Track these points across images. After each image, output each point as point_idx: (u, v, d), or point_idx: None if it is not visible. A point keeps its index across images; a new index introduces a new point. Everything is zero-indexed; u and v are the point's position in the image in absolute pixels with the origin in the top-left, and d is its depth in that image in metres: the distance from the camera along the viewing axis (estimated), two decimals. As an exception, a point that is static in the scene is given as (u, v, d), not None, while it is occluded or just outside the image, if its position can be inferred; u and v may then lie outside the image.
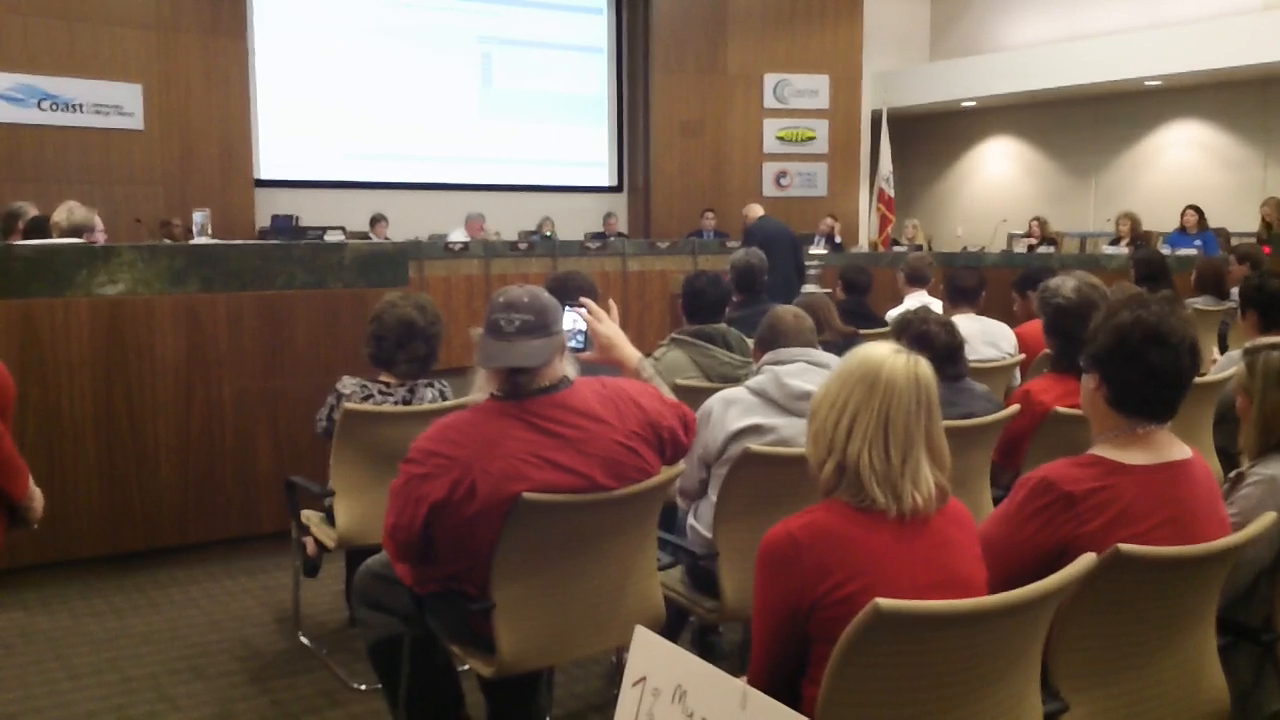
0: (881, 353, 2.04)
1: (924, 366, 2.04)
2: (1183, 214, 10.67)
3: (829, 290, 7.24)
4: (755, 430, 3.10)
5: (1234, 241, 10.31)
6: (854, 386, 2.02)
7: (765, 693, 1.61)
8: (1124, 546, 2.04)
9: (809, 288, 8.39)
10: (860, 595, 1.85)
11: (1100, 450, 2.29)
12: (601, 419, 2.60)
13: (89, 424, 4.72)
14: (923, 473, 2.00)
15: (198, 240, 7.93)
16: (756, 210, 9.72)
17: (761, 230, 9.09)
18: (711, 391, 3.33)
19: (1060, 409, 3.38)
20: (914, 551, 1.98)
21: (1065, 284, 3.77)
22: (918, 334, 3.41)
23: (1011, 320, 5.37)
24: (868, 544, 1.96)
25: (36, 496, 2.66)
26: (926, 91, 15.16)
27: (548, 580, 2.62)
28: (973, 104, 15.28)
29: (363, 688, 3.65)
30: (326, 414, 3.88)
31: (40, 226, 6.30)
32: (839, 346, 4.01)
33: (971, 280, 5.30)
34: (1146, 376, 2.24)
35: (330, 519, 3.81)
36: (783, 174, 14.72)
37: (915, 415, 2.00)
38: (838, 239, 12.95)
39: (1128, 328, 2.26)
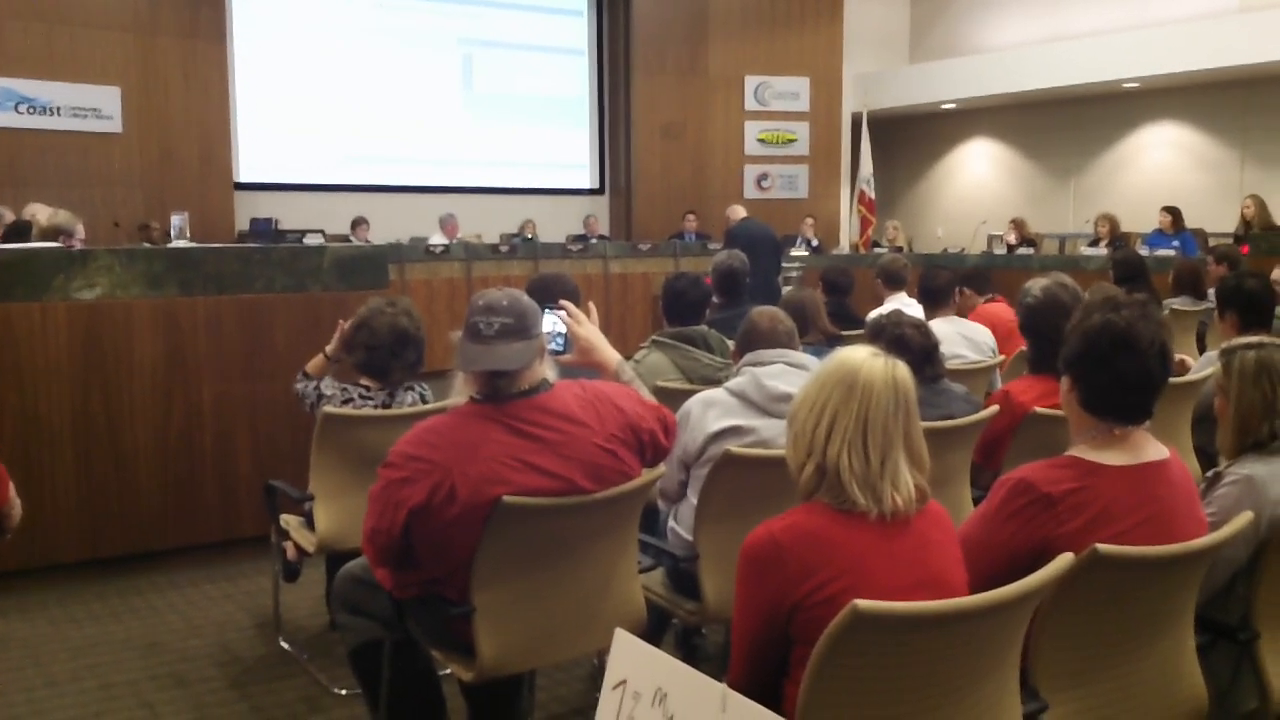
0: (859, 356, 2.05)
1: (901, 369, 2.05)
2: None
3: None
4: (735, 432, 3.10)
5: (1212, 242, 10.37)
6: (832, 389, 2.02)
7: (747, 694, 1.61)
8: (1102, 546, 2.05)
9: (785, 290, 8.40)
10: (842, 596, 1.85)
11: (1078, 451, 2.30)
12: (581, 422, 2.59)
13: (67, 429, 4.69)
14: (902, 474, 2.01)
15: (176, 244, 7.90)
16: (739, 212, 9.72)
17: (744, 232, 9.09)
18: (693, 393, 3.33)
19: (1039, 409, 3.39)
20: (895, 552, 1.99)
21: (1036, 284, 3.83)
22: (892, 338, 3.42)
23: (963, 313, 5.47)
24: (849, 545, 1.97)
25: (15, 504, 2.64)
26: (907, 93, 15.21)
27: (528, 584, 2.62)
28: (953, 106, 15.33)
29: (344, 693, 3.64)
30: (311, 402, 3.87)
31: (23, 231, 6.27)
32: (822, 348, 4.02)
33: (942, 280, 5.32)
34: (1114, 381, 2.25)
35: (310, 523, 3.79)
36: (764, 176, 14.74)
37: (893, 417, 2.01)
38: (814, 241, 12.98)
39: (1096, 333, 2.27)
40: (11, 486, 2.62)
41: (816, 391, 2.05)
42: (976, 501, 3.30)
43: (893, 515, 1.99)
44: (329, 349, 4.00)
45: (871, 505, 1.98)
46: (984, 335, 5.08)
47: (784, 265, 10.53)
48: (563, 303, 2.99)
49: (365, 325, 3.79)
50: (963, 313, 5.45)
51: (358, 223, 11.62)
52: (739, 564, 2.03)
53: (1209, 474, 2.71)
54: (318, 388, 3.88)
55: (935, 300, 5.29)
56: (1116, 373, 2.25)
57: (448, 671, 2.79)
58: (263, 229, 11.46)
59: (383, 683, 2.88)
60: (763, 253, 8.91)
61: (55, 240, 5.64)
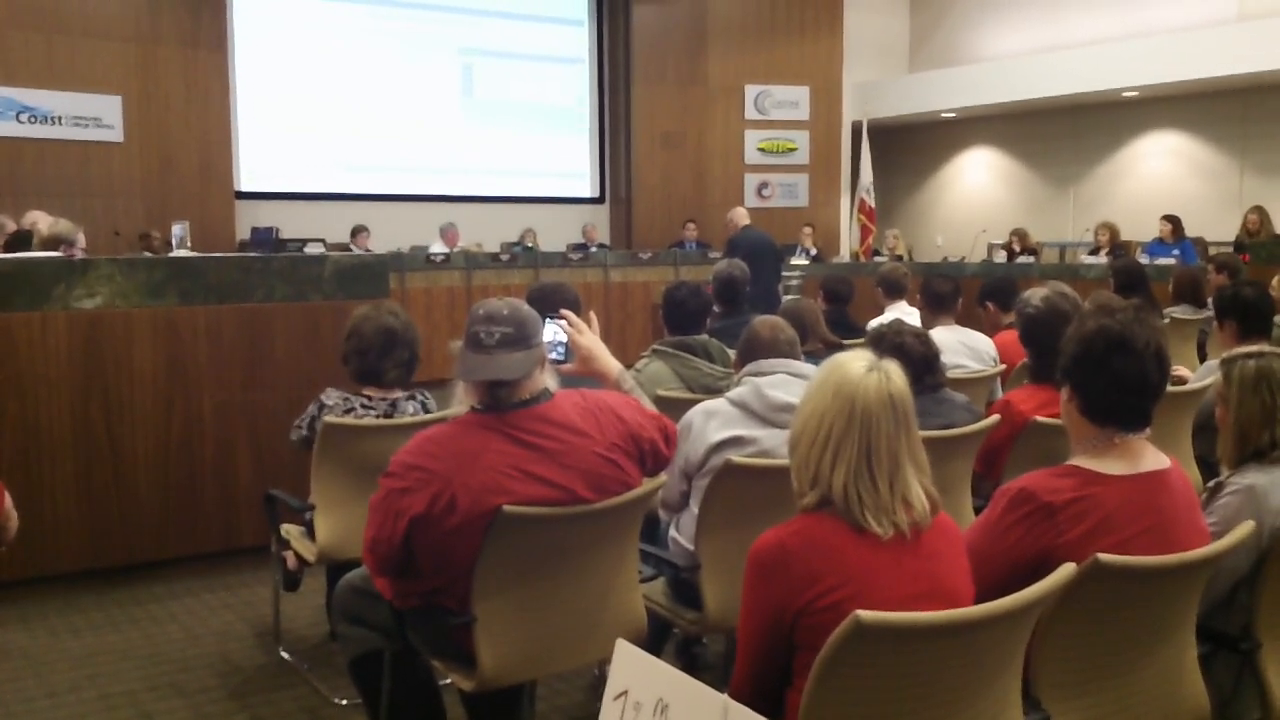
0: (854, 375, 2.02)
1: (896, 380, 2.03)
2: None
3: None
4: (736, 442, 3.09)
5: (1212, 250, 10.37)
6: (833, 420, 2.00)
7: (748, 700, 1.61)
8: (1104, 556, 2.05)
9: (785, 298, 8.38)
10: (846, 604, 1.85)
11: (1079, 460, 2.30)
12: (582, 431, 2.59)
13: (67, 438, 4.69)
14: (913, 489, 2.01)
15: (177, 253, 7.91)
16: (742, 215, 9.64)
17: (746, 240, 9.09)
18: (694, 403, 3.33)
19: (1040, 419, 3.39)
20: (903, 563, 1.99)
21: (1036, 294, 3.83)
22: (893, 346, 3.41)
23: (986, 330, 5.38)
24: (857, 554, 1.97)
25: (12, 516, 2.64)
26: (906, 102, 15.23)
27: (529, 593, 2.61)
28: (952, 114, 15.35)
29: (344, 703, 3.63)
30: (307, 423, 3.84)
31: (24, 240, 6.27)
32: (821, 357, 4.01)
33: (946, 287, 5.30)
34: (1112, 384, 2.25)
35: (310, 533, 3.79)
36: (764, 185, 14.75)
37: (896, 437, 2.00)
38: (812, 250, 12.98)
39: (1092, 337, 2.28)
40: (8, 497, 2.62)
41: (817, 423, 2.02)
42: (977, 511, 3.30)
43: (911, 528, 1.98)
44: None
45: (887, 529, 1.97)
46: (985, 344, 5.08)
47: (784, 274, 10.53)
48: (563, 312, 2.99)
49: (354, 333, 3.79)
50: (986, 332, 5.36)
51: (358, 230, 11.61)
52: (746, 568, 2.03)
53: (1210, 484, 2.71)
54: (318, 400, 3.86)
55: (936, 308, 5.29)
56: (1113, 375, 2.25)
57: (448, 681, 2.79)
58: (263, 238, 11.47)
59: (383, 693, 2.88)
60: (764, 261, 8.91)
61: (56, 250, 5.64)
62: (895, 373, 2.04)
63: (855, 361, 2.06)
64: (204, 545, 4.97)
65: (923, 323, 5.02)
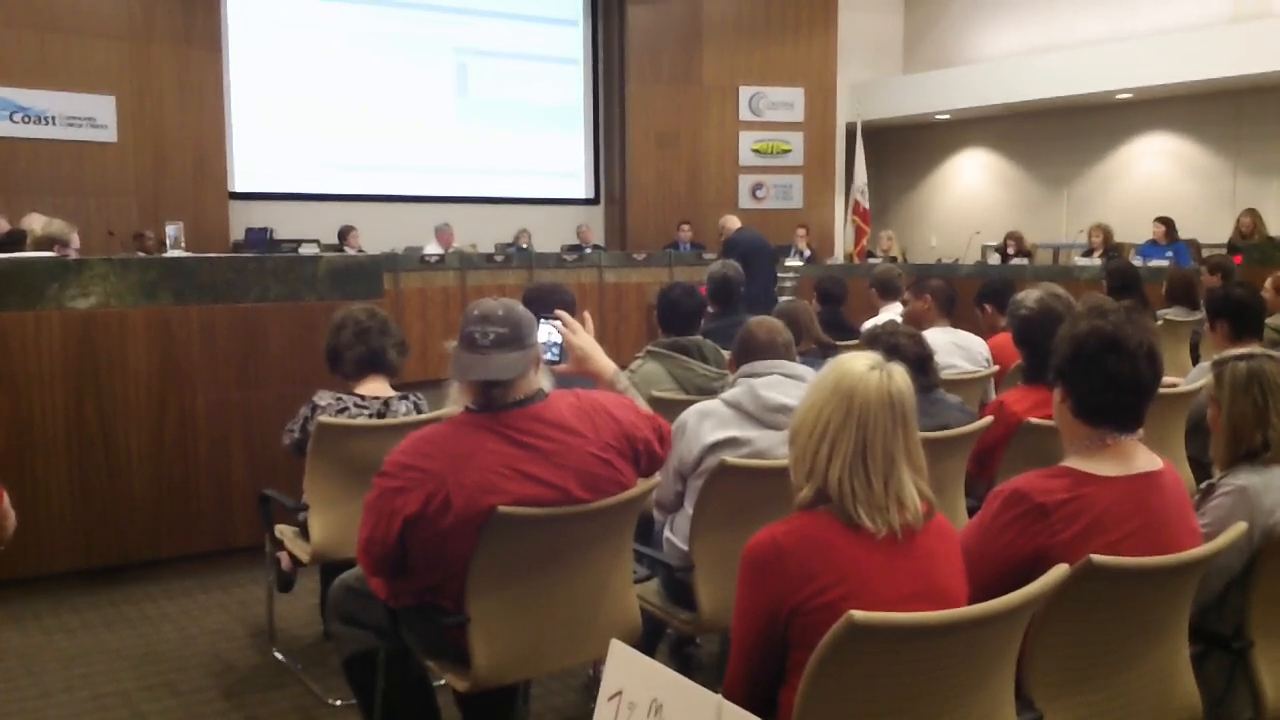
0: (855, 372, 2.03)
1: (898, 380, 2.04)
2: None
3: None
4: (731, 443, 3.10)
5: (1205, 252, 10.39)
6: (831, 414, 2.01)
7: (742, 699, 1.61)
8: (1096, 557, 2.06)
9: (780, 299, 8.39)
10: (841, 603, 1.86)
11: (1071, 461, 2.30)
12: (576, 431, 2.60)
13: (61, 438, 4.68)
14: (907, 489, 2.01)
15: (171, 253, 7.90)
16: (734, 222, 9.74)
17: (744, 241, 9.14)
18: (688, 403, 3.33)
19: (1033, 420, 3.40)
20: (897, 562, 1.99)
21: (1029, 295, 3.84)
22: (887, 347, 3.42)
23: (983, 332, 5.38)
24: (851, 553, 1.97)
25: (9, 516, 2.64)
26: (901, 104, 15.25)
27: (523, 593, 2.62)
28: (946, 116, 15.37)
29: (338, 703, 3.63)
30: (300, 426, 3.84)
31: (17, 240, 6.26)
32: (815, 359, 4.02)
33: (952, 290, 5.32)
34: (1105, 384, 2.27)
35: (304, 533, 3.79)
36: (758, 186, 14.76)
37: (893, 435, 2.00)
38: (805, 250, 13.00)
39: (1084, 337, 2.29)
40: (5, 497, 2.62)
41: (815, 416, 2.03)
42: (971, 511, 3.31)
43: (902, 529, 1.99)
44: None
45: (881, 527, 1.97)
46: (978, 345, 5.09)
47: (779, 275, 10.56)
48: (558, 312, 2.99)
49: (329, 332, 3.84)
50: (983, 333, 5.34)
51: (347, 230, 11.52)
52: (740, 566, 2.03)
53: (1203, 485, 2.72)
54: (310, 402, 3.86)
55: (948, 310, 5.29)
56: (1106, 375, 2.26)
57: (442, 681, 2.79)
58: (257, 238, 11.46)
59: (377, 693, 2.87)
60: (761, 262, 8.95)
61: (49, 249, 5.63)
62: (899, 374, 2.05)
63: (859, 360, 2.07)
64: (198, 545, 4.96)
65: (914, 322, 5.02)
